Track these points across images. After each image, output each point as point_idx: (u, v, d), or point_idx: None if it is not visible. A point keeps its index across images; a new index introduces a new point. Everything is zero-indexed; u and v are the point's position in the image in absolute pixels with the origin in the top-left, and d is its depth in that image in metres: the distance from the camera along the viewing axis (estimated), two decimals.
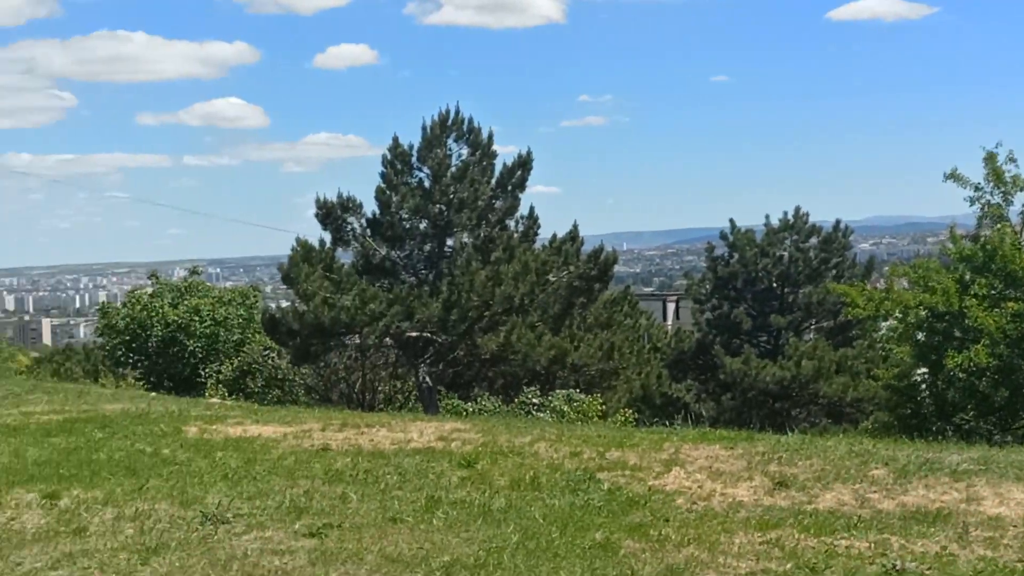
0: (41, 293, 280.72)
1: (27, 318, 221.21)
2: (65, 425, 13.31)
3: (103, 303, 41.44)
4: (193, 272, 37.48)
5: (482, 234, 24.68)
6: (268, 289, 63.56)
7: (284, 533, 7.48)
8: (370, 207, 25.31)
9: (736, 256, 35.86)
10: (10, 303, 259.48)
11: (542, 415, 20.49)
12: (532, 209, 25.66)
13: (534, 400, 22.05)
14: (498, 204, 25.36)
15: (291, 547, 7.13)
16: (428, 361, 24.50)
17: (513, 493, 8.77)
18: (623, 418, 22.48)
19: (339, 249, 25.18)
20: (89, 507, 8.26)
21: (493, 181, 25.30)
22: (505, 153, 25.69)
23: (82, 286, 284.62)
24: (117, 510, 8.15)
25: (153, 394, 22.83)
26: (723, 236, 36.57)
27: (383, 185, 24.93)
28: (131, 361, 33.20)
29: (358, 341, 24.68)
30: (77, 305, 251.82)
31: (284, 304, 30.06)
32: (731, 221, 36.70)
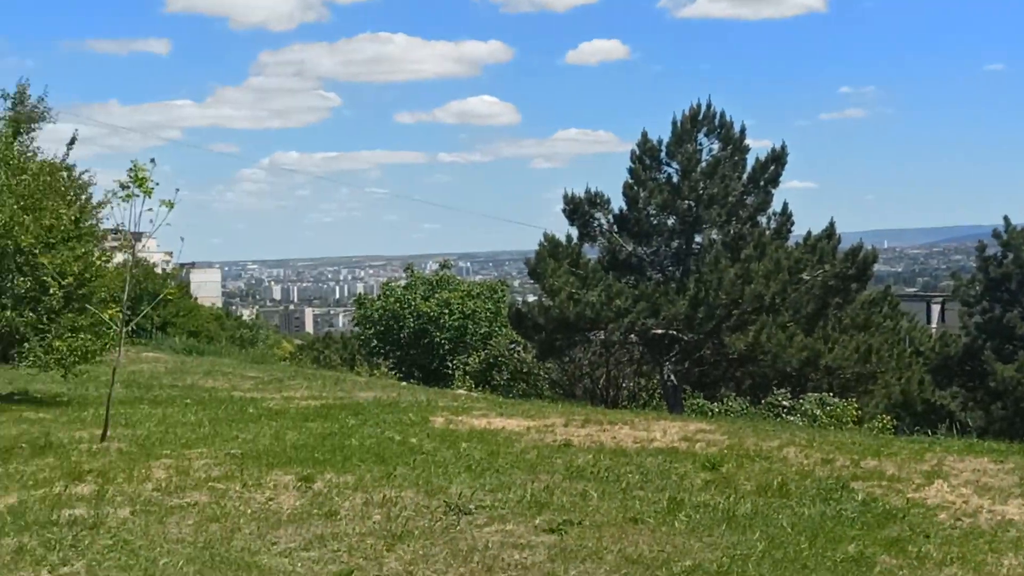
0: (305, 284, 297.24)
1: (291, 307, 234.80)
2: (322, 411, 13.89)
3: (360, 295, 43.34)
4: (444, 266, 38.56)
5: (732, 231, 24.22)
6: (516, 284, 64.66)
7: (524, 527, 7.46)
8: (617, 203, 25.35)
9: (1011, 256, 33.38)
10: (277, 293, 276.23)
11: (792, 419, 19.76)
12: (786, 205, 25.08)
13: (784, 403, 21.31)
14: (749, 200, 24.81)
15: (531, 542, 7.10)
16: (673, 359, 24.20)
17: (759, 499, 8.46)
18: (880, 425, 21.33)
19: (586, 245, 25.30)
20: (340, 491, 8.52)
21: (744, 176, 24.79)
22: (758, 147, 25.17)
23: (342, 278, 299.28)
24: (366, 496, 8.36)
25: (404, 384, 23.64)
26: (996, 234, 34.15)
27: (631, 181, 24.84)
28: (384, 351, 34.52)
29: (603, 337, 24.64)
30: (337, 296, 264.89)
31: (530, 299, 30.44)
32: (1005, 218, 34.17)
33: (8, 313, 13.58)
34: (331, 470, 9.36)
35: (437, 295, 33.96)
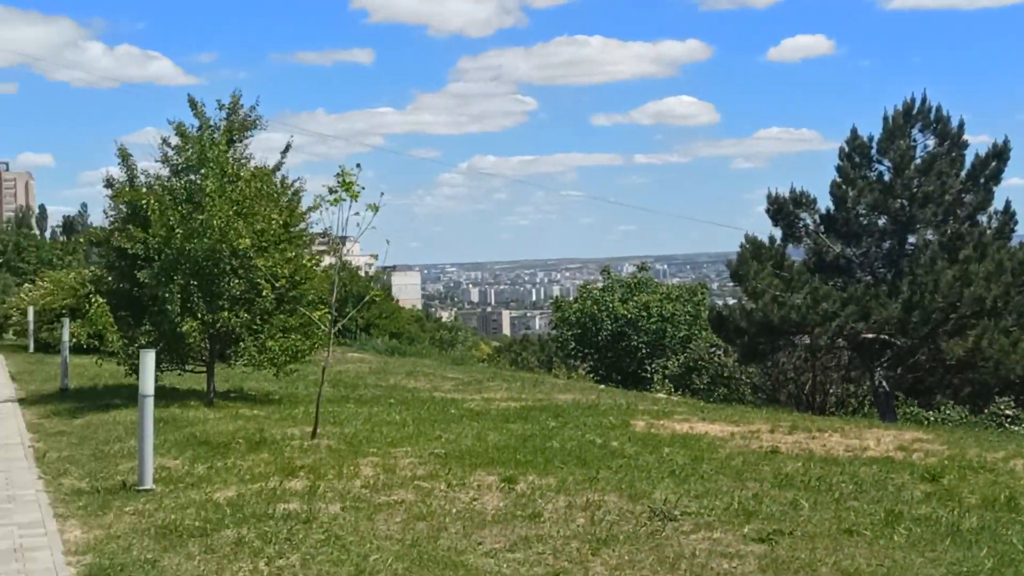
0: (502, 287, 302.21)
1: (489, 309, 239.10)
2: (522, 412, 13.93)
3: (557, 297, 43.55)
4: (642, 268, 38.28)
5: (949, 231, 23.13)
6: (714, 286, 63.70)
7: (733, 536, 7.22)
8: (824, 202, 24.60)
9: None
10: (474, 295, 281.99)
11: (1016, 429, 18.65)
12: (1008, 203, 23.82)
13: (1007, 412, 20.16)
14: (968, 198, 23.64)
15: (740, 551, 6.86)
16: (885, 365, 23.27)
17: (986, 513, 7.96)
18: None
19: (790, 246, 24.66)
20: (543, 493, 8.48)
21: (963, 173, 23.65)
22: (977, 143, 23.94)
23: (538, 280, 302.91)
24: (569, 499, 8.28)
25: (602, 386, 23.54)
26: None
27: (839, 179, 24.06)
28: (581, 353, 34.51)
29: (808, 341, 23.91)
30: (533, 298, 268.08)
31: (730, 301, 29.90)
32: None
33: (225, 314, 14.14)
34: (533, 472, 9.34)
35: (635, 298, 33.72)
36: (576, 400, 16.17)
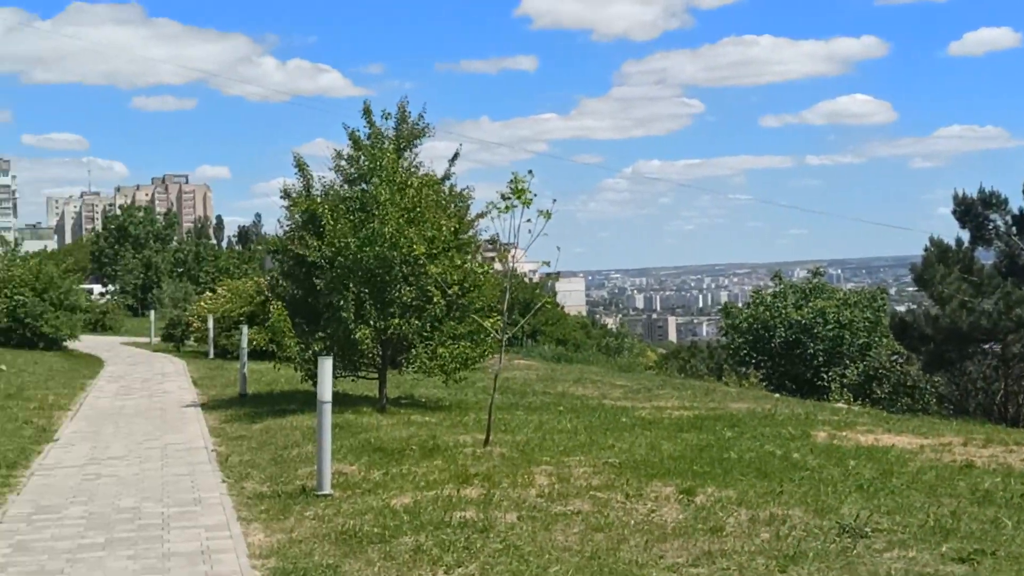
0: (667, 292, 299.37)
1: (654, 316, 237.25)
2: (695, 422, 13.60)
3: (726, 303, 42.68)
4: (816, 273, 37.09)
5: None
6: (892, 291, 61.35)
7: (930, 555, 6.81)
8: (1016, 202, 23.24)
9: None
10: (639, 301, 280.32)
11: None
12: None
13: None
14: None
15: (939, 571, 6.47)
16: None
17: None
18: None
19: (979, 249, 23.43)
20: (724, 506, 8.20)
21: None
22: None
23: (704, 286, 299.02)
24: (751, 512, 7.98)
25: (776, 395, 22.87)
26: None
27: None
28: (754, 361, 33.62)
29: (1000, 349, 22.67)
30: (700, 304, 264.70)
31: (910, 307, 28.66)
32: None
33: (396, 321, 14.29)
34: (711, 483, 9.06)
35: (810, 303, 32.64)
36: (751, 409, 15.71)
